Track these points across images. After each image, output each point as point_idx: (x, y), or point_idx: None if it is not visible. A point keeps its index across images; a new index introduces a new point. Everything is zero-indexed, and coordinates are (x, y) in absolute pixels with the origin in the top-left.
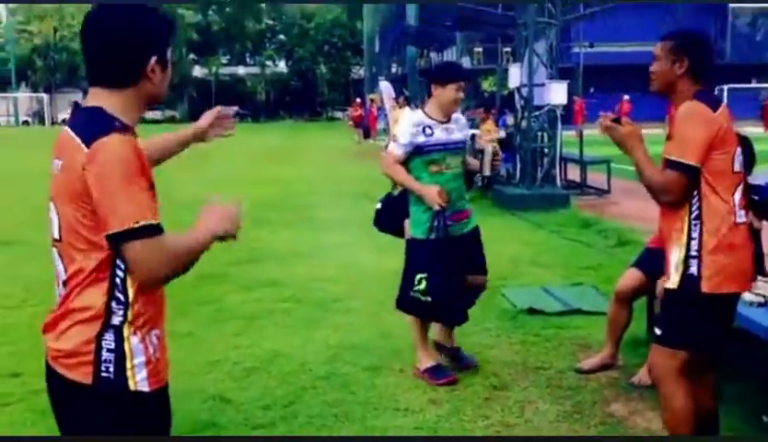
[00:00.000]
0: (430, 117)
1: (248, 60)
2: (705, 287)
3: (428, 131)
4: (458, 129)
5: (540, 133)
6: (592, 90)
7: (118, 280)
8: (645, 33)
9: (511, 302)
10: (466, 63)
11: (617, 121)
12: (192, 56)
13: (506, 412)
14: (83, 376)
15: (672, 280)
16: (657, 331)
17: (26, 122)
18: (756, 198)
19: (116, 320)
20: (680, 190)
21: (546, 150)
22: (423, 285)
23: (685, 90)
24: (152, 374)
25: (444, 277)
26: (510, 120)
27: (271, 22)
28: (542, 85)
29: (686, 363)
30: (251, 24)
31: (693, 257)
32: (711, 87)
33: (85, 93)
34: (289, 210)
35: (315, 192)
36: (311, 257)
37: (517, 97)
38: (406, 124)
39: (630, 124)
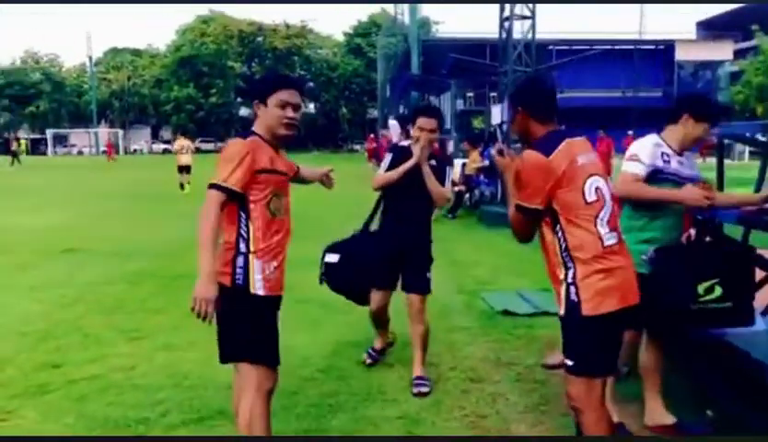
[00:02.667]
0: (668, 145)
1: None
2: (585, 310)
3: (665, 157)
4: (689, 166)
5: None
6: (563, 127)
7: (242, 224)
8: (606, 81)
9: (489, 304)
10: (459, 105)
11: (501, 152)
12: (239, 99)
13: (481, 403)
14: (226, 281)
15: (561, 309)
16: (569, 362)
17: (104, 152)
18: (699, 217)
19: (243, 249)
20: (524, 227)
21: None
22: (717, 292)
23: (537, 133)
24: (265, 286)
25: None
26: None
27: (302, 72)
28: None
29: (602, 387)
30: (287, 73)
31: (571, 284)
32: (559, 123)
33: (153, 129)
34: (306, 224)
35: (330, 210)
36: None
37: (498, 132)
38: (649, 144)
39: (510, 157)
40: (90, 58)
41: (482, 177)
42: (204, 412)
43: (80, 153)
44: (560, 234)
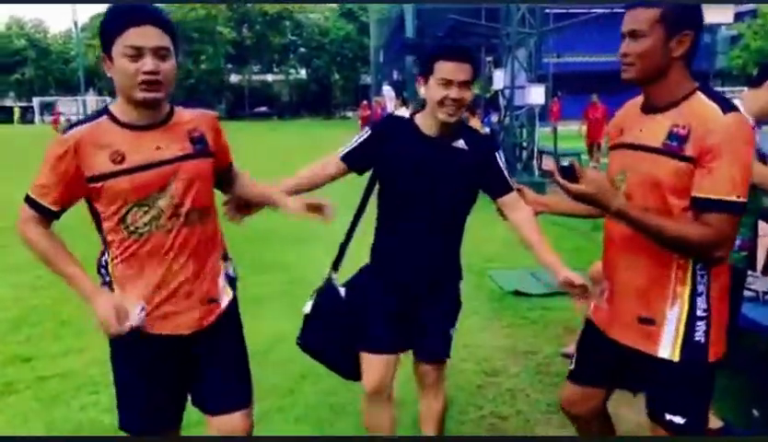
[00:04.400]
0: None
1: (275, 69)
2: (714, 354)
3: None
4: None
5: (520, 130)
6: (560, 94)
7: (103, 244)
8: (604, 45)
9: (498, 284)
10: None
11: (569, 171)
12: (228, 65)
13: (498, 401)
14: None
15: (667, 348)
16: (679, 419)
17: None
18: None
19: (106, 278)
20: (733, 238)
21: (525, 144)
22: None
23: (678, 82)
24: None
25: None
26: (495, 118)
27: (293, 37)
28: (523, 87)
29: None
30: (277, 39)
31: (701, 318)
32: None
33: None
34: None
35: (322, 191)
36: (314, 241)
37: (500, 98)
38: None
39: (592, 173)
40: (76, 24)
41: None
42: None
43: (68, 121)
44: None
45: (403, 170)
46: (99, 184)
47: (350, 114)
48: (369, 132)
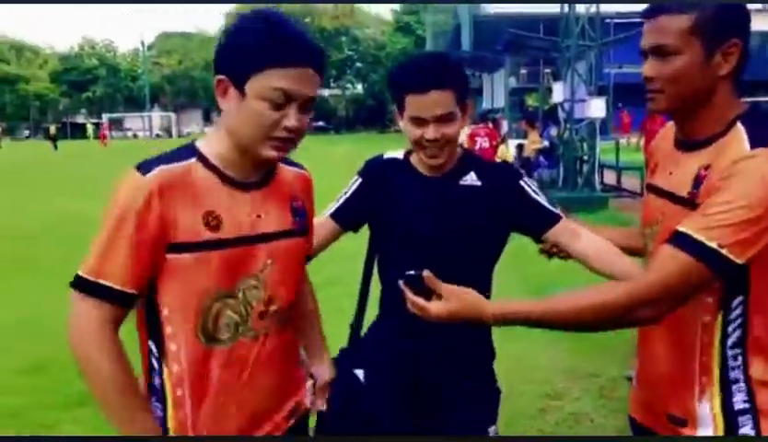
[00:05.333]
0: None
1: (331, 84)
2: None
3: None
4: None
5: (580, 143)
6: (620, 105)
7: (152, 342)
8: None
9: None
10: (512, 83)
11: (416, 282)
12: None
13: (561, 426)
14: None
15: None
16: None
17: (158, 135)
18: None
19: (157, 385)
20: (680, 301)
21: (586, 158)
22: None
23: (724, 108)
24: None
25: None
26: (554, 131)
27: (350, 52)
28: (583, 100)
29: None
30: (334, 54)
31: (743, 411)
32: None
33: (205, 113)
34: None
35: None
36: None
37: (560, 111)
38: None
39: (448, 287)
40: (143, 43)
41: (541, 159)
42: None
43: (135, 136)
44: (737, 314)
45: (401, 221)
46: (184, 257)
47: None
48: (358, 180)
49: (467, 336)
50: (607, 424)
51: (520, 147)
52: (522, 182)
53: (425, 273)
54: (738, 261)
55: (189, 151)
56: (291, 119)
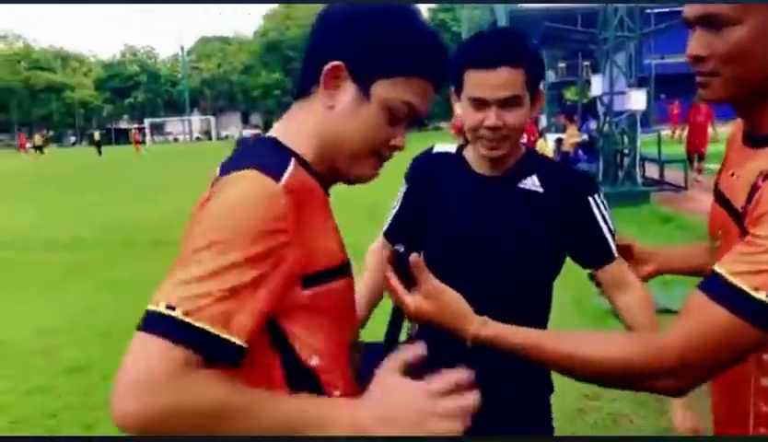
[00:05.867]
0: None
1: None
2: None
3: None
4: None
5: (620, 136)
6: (663, 96)
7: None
8: None
9: (598, 301)
10: (550, 76)
11: (401, 260)
12: None
13: (600, 426)
14: None
15: None
16: None
17: (198, 139)
18: None
19: None
20: (719, 367)
21: (627, 151)
22: None
23: None
24: None
25: None
26: (593, 125)
27: None
28: (623, 93)
29: None
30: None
31: None
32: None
33: (244, 116)
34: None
35: None
36: None
37: (599, 104)
38: None
39: (434, 283)
40: (182, 48)
41: (580, 153)
42: None
43: (176, 140)
44: None
45: (448, 221)
46: (331, 286)
47: (443, 125)
48: (405, 187)
49: (518, 371)
50: (646, 425)
51: (559, 142)
52: (593, 199)
53: (413, 256)
54: None
55: (278, 150)
56: (400, 138)
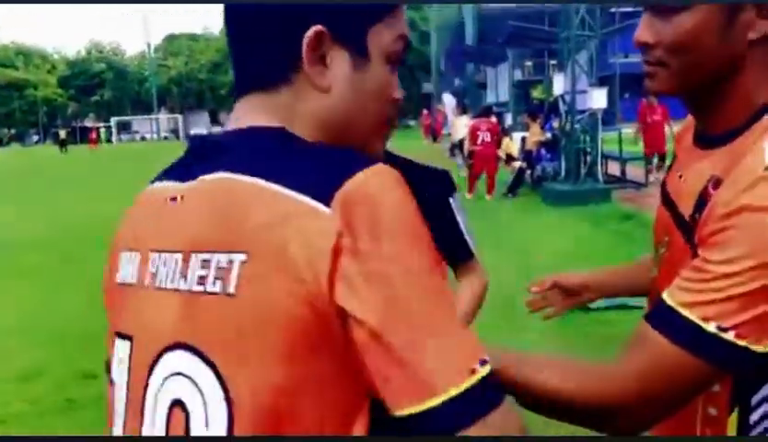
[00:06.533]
0: None
1: None
2: None
3: None
4: None
5: (583, 135)
6: (627, 95)
7: None
8: None
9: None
10: (517, 75)
11: None
12: None
13: (552, 423)
14: None
15: None
16: None
17: (165, 138)
18: None
19: None
20: (681, 395)
21: (588, 149)
22: None
23: (753, 87)
24: None
25: None
26: (556, 123)
27: None
28: (584, 91)
29: None
30: None
31: None
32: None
33: (212, 114)
34: None
35: None
36: None
37: (561, 103)
38: None
39: None
40: (149, 45)
41: (543, 151)
42: None
43: (143, 138)
44: (764, 413)
45: None
46: None
47: (412, 123)
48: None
49: None
50: None
51: (525, 140)
52: (452, 199)
53: None
54: (756, 347)
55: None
56: (396, 88)
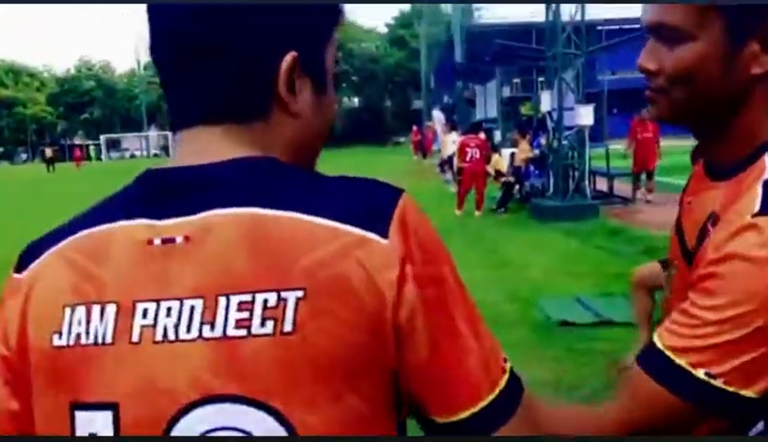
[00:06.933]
0: None
1: None
2: None
3: None
4: None
5: (570, 151)
6: (615, 111)
7: None
8: None
9: (545, 313)
10: (505, 92)
11: None
12: None
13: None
14: None
15: None
16: None
17: (156, 155)
18: None
19: None
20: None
21: (576, 166)
22: None
23: (755, 122)
24: None
25: None
26: (544, 140)
27: (346, 67)
28: (571, 109)
29: None
30: None
31: None
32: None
33: None
34: None
35: None
36: None
37: (548, 120)
38: None
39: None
40: (139, 62)
41: (532, 168)
42: None
43: (132, 156)
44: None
45: None
46: None
47: (402, 140)
48: None
49: None
50: None
51: (514, 156)
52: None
53: None
54: (746, 392)
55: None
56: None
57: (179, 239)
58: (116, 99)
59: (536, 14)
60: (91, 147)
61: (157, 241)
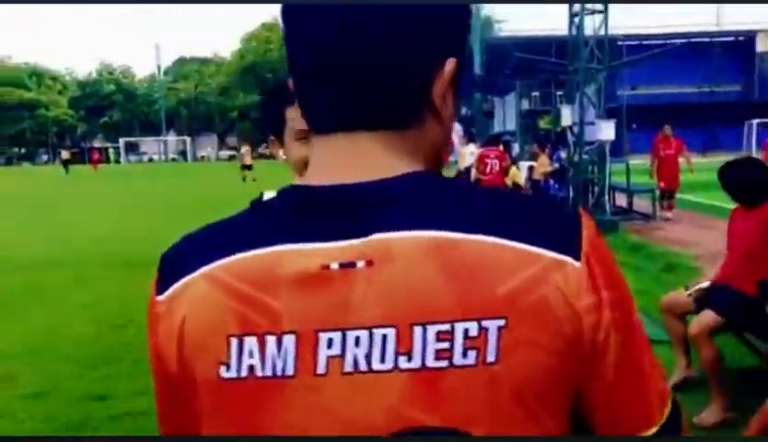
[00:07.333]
0: None
1: None
2: None
3: None
4: None
5: (591, 166)
6: (634, 126)
7: None
8: (682, 77)
9: None
10: (524, 105)
11: None
12: None
13: None
14: None
15: None
16: None
17: (173, 159)
18: None
19: None
20: None
21: (596, 181)
22: None
23: None
24: None
25: None
26: (564, 154)
27: None
28: (592, 123)
29: None
30: None
31: None
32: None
33: (220, 136)
34: None
35: None
36: None
37: (569, 134)
38: None
39: None
40: (159, 68)
41: (551, 182)
42: None
43: (150, 160)
44: None
45: None
46: None
47: None
48: None
49: None
50: None
51: (532, 169)
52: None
53: None
54: None
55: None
56: None
57: (359, 264)
58: (136, 104)
59: (556, 28)
60: (110, 150)
61: (335, 266)
